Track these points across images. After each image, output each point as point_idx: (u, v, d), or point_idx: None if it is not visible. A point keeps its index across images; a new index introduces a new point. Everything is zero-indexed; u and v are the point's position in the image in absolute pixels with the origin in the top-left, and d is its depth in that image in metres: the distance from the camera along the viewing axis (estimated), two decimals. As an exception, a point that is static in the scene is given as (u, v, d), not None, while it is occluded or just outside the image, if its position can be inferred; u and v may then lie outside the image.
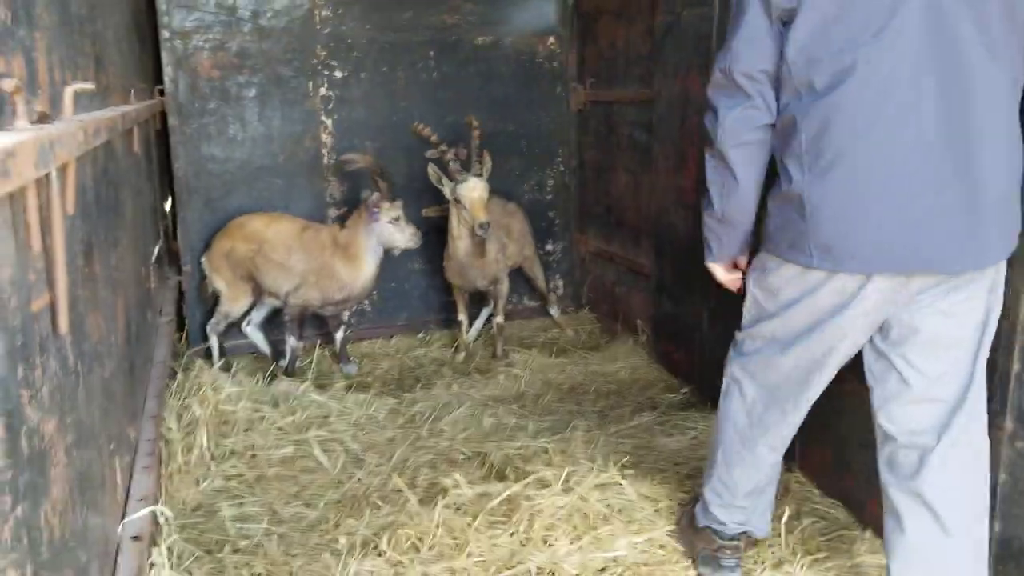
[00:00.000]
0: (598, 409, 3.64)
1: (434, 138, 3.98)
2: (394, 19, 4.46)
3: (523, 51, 4.71)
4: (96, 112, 1.87)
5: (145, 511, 2.07)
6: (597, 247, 4.80)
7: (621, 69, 4.37)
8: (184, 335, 4.38)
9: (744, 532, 2.41)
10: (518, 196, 4.83)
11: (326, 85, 4.42)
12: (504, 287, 4.41)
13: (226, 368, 4.09)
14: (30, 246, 1.16)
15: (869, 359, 2.07)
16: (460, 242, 4.13)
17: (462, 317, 4.49)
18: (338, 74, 4.43)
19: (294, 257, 4.09)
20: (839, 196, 1.84)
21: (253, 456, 3.24)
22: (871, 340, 2.04)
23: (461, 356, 4.41)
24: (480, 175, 4.00)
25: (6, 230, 1.08)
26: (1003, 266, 1.95)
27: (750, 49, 1.91)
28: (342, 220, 4.37)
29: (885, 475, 2.09)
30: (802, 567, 2.40)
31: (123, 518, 2.04)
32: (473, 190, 3.93)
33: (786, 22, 1.86)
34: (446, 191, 4.03)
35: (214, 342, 4.20)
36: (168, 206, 4.74)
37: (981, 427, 2.02)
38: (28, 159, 1.00)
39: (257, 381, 3.86)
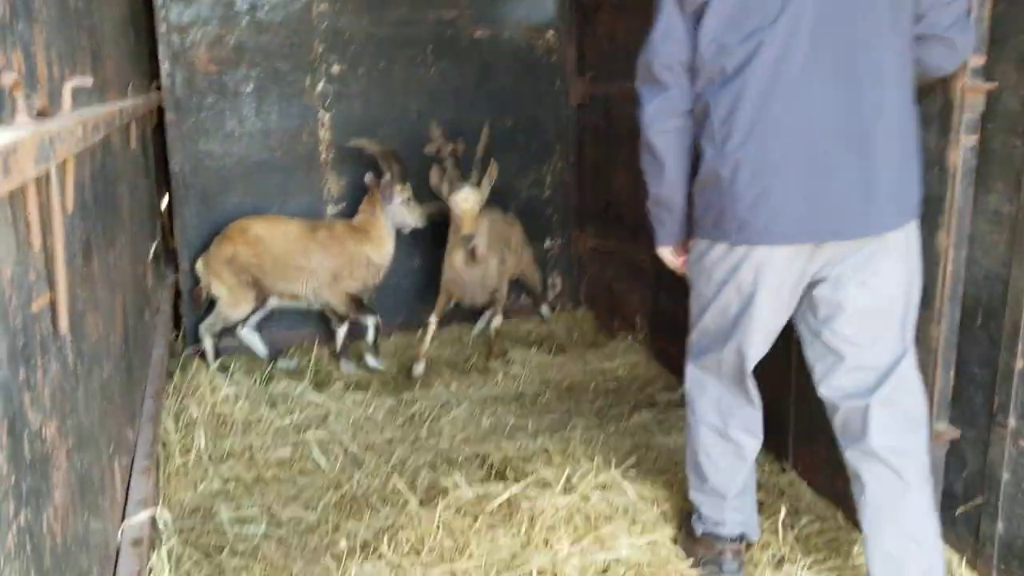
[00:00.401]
0: (597, 408, 3.62)
1: (441, 141, 3.94)
2: (392, 13, 4.42)
3: (521, 45, 4.67)
4: (95, 107, 1.84)
5: (144, 515, 2.04)
6: (595, 244, 4.77)
7: (621, 62, 4.32)
8: (181, 335, 4.34)
9: (742, 534, 2.41)
10: (516, 192, 4.79)
11: (324, 80, 4.38)
12: (503, 294, 4.34)
13: (223, 369, 4.05)
14: (30, 244, 1.13)
15: (806, 340, 2.18)
16: (456, 251, 4.06)
17: (433, 319, 4.24)
18: (336, 69, 4.39)
19: (315, 257, 4.11)
20: (749, 172, 1.97)
21: (251, 457, 3.20)
22: (806, 322, 2.16)
23: (420, 368, 4.14)
24: (477, 185, 3.90)
25: (6, 228, 1.05)
26: (914, 234, 2.06)
27: (667, 43, 2.07)
28: (341, 215, 4.37)
29: (841, 442, 2.18)
30: (803, 567, 2.38)
31: (122, 521, 2.01)
32: (465, 200, 3.84)
33: (698, 16, 2.02)
34: (444, 195, 3.97)
35: (209, 344, 4.14)
36: (164, 203, 4.69)
37: (915, 389, 2.11)
38: (29, 156, 0.97)
39: (255, 381, 3.83)
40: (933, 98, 2.07)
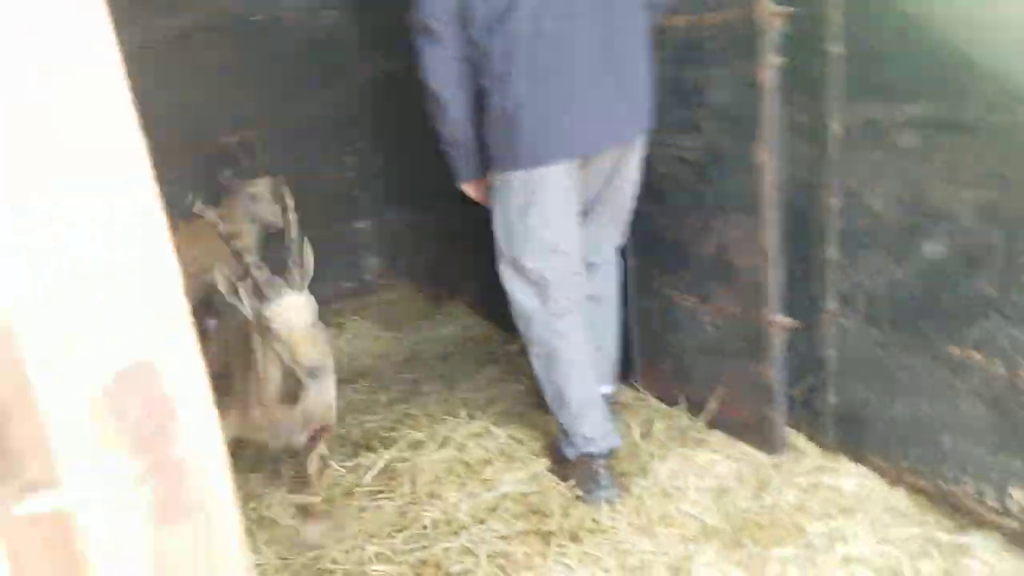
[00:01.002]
0: (442, 372, 3.65)
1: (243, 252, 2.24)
2: (160, 2, 4.13)
3: (302, 26, 4.51)
4: None
5: None
6: (409, 219, 4.76)
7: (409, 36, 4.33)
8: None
9: (610, 448, 2.56)
10: (321, 178, 4.65)
11: (91, 80, 4.02)
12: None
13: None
14: None
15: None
16: (271, 386, 2.32)
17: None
18: (103, 66, 4.04)
19: (185, 254, 3.82)
20: (530, 103, 2.28)
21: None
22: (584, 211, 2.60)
23: None
24: (301, 289, 2.24)
25: None
26: (644, 143, 2.56)
27: None
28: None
29: None
30: (665, 466, 2.55)
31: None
32: (295, 313, 2.18)
33: None
34: (245, 309, 2.23)
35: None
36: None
37: (616, 266, 2.82)
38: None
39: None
40: (743, 25, 2.27)
